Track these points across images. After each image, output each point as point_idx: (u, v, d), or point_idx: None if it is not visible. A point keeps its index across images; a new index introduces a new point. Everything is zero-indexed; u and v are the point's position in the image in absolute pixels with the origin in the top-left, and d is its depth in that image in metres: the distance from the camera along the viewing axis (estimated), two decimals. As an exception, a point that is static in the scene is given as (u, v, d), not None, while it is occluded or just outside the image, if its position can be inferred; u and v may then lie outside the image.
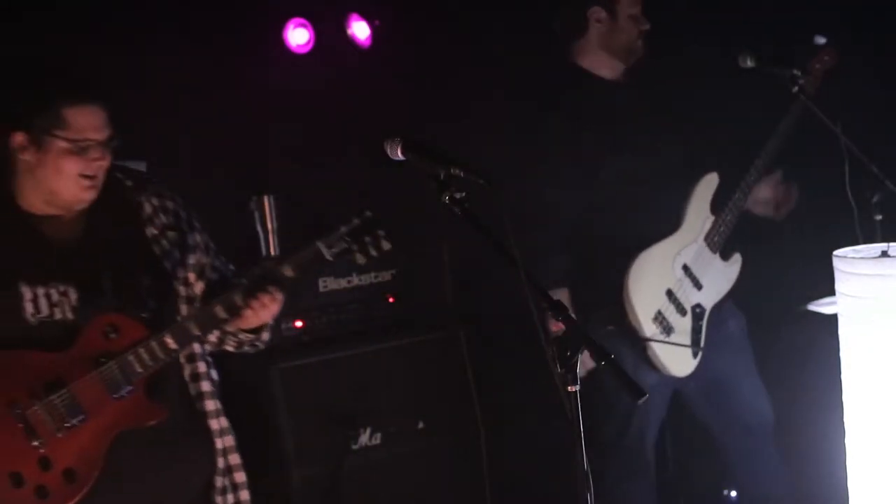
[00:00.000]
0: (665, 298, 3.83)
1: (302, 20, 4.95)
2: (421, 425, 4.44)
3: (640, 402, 2.18)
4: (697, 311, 3.85)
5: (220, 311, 2.72)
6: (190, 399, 2.93)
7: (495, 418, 4.60)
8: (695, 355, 3.84)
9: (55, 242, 2.78)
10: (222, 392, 2.99)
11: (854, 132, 3.66)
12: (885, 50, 4.27)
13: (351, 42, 5.08)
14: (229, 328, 2.85)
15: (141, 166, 4.36)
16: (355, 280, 4.44)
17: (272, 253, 4.45)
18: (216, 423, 2.95)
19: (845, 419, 3.07)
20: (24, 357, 2.70)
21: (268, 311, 2.76)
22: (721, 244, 3.91)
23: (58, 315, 2.72)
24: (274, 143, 4.78)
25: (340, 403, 4.27)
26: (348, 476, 4.22)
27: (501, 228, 2.28)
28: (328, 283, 4.37)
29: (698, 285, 3.87)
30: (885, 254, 3.01)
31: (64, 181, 2.73)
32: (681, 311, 3.84)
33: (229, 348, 2.98)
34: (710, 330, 3.89)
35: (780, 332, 4.25)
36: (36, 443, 2.67)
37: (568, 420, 2.16)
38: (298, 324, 4.31)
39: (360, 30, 5.09)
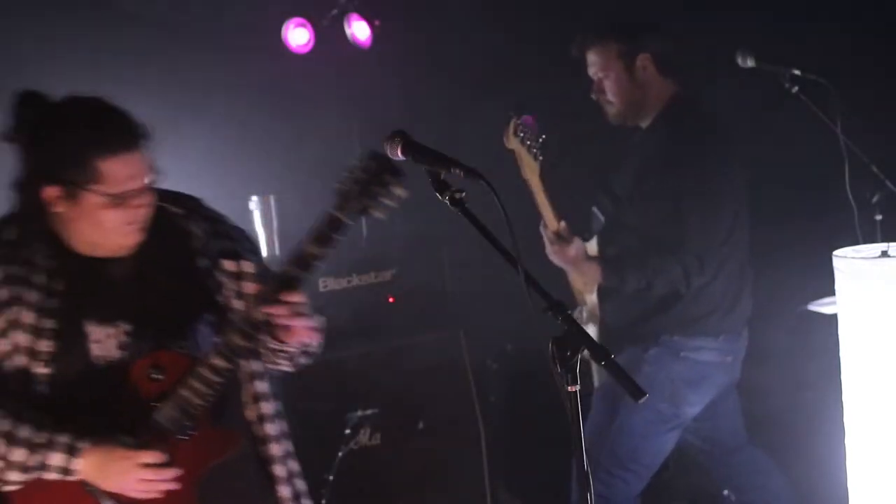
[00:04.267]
0: None
1: (302, 20, 4.96)
2: (421, 425, 4.44)
3: (640, 401, 2.18)
4: None
5: (256, 313, 2.50)
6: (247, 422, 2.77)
7: (495, 418, 4.61)
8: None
9: (111, 280, 2.61)
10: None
11: (854, 131, 3.66)
12: (885, 49, 4.27)
13: (351, 42, 5.08)
14: (274, 343, 2.62)
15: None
16: (355, 280, 4.44)
17: (275, 254, 4.45)
18: (277, 448, 2.78)
19: (845, 419, 3.08)
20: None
21: (296, 304, 2.50)
22: None
23: (116, 355, 2.58)
24: (274, 142, 4.78)
25: (341, 403, 4.27)
26: (348, 476, 4.21)
27: (504, 227, 2.28)
28: (328, 283, 4.38)
29: None
30: (885, 254, 3.02)
31: (105, 233, 2.54)
32: None
33: (285, 366, 2.77)
34: None
35: (780, 332, 4.25)
36: None
37: (568, 420, 2.16)
38: (298, 324, 4.31)
39: (360, 30, 5.09)
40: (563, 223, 3.74)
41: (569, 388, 2.15)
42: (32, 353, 2.52)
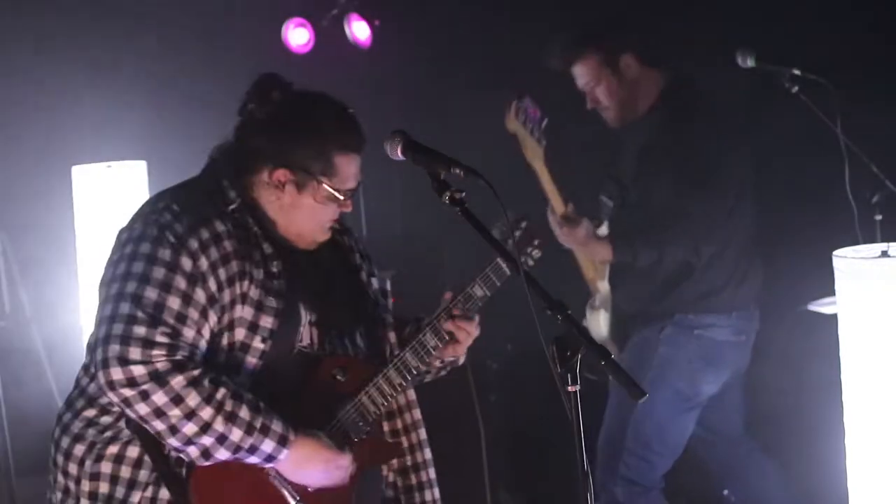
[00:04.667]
0: None
1: (302, 20, 4.96)
2: (421, 425, 4.44)
3: (641, 401, 2.18)
4: None
5: (430, 339, 2.72)
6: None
7: (495, 418, 4.61)
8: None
9: (306, 270, 2.70)
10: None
11: (854, 131, 3.66)
12: (885, 49, 4.27)
13: (351, 42, 5.08)
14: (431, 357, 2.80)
15: (142, 166, 4.37)
16: (355, 280, 4.44)
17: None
18: (425, 455, 2.92)
19: (845, 419, 3.08)
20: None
21: (470, 336, 2.76)
22: None
23: (310, 342, 2.67)
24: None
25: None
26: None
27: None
28: (328, 283, 4.37)
29: None
30: (885, 254, 3.02)
31: (313, 224, 2.66)
32: None
33: (424, 379, 2.97)
34: None
35: (780, 332, 4.25)
36: (294, 502, 2.61)
37: (568, 420, 2.16)
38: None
39: (360, 30, 5.10)
40: (570, 205, 3.80)
41: (569, 388, 2.15)
42: (254, 327, 2.56)
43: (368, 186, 5.09)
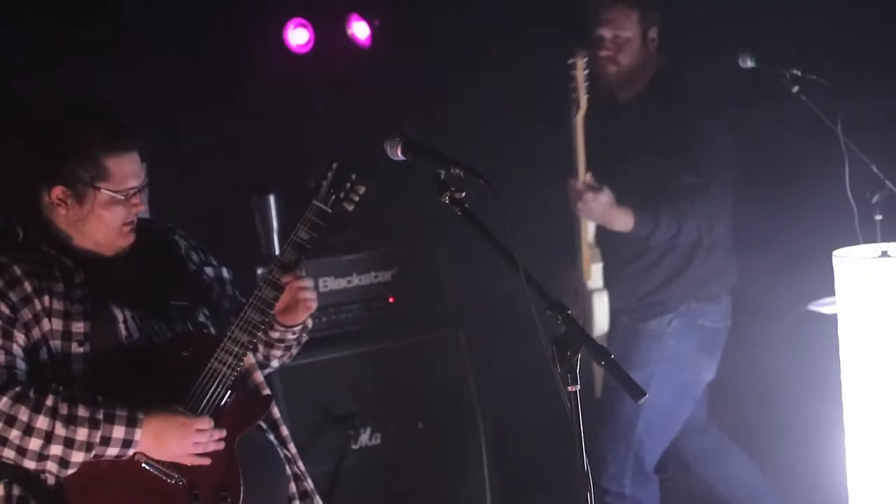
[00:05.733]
0: None
1: (302, 20, 4.95)
2: (421, 425, 4.44)
3: (640, 401, 2.18)
4: None
5: (268, 292, 2.74)
6: None
7: (495, 418, 4.60)
8: None
9: (118, 273, 2.77)
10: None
11: (854, 131, 3.66)
12: (885, 49, 4.27)
13: (351, 42, 5.08)
14: (275, 330, 2.87)
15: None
16: (355, 280, 4.44)
17: (275, 253, 4.46)
18: (285, 430, 2.98)
19: (845, 419, 3.08)
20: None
21: (304, 282, 2.79)
22: None
23: (140, 338, 2.73)
24: (274, 142, 4.78)
25: (340, 403, 4.27)
26: (348, 476, 4.22)
27: (502, 227, 2.29)
28: (328, 283, 4.37)
29: None
30: (885, 254, 3.02)
31: (107, 231, 2.71)
32: None
33: (276, 360, 3.00)
34: None
35: (780, 332, 4.26)
36: (172, 480, 2.65)
37: (568, 420, 2.16)
38: (298, 324, 4.30)
39: (360, 30, 5.09)
40: (589, 174, 3.81)
41: (569, 388, 2.16)
42: (67, 335, 2.63)
43: (369, 186, 5.09)
